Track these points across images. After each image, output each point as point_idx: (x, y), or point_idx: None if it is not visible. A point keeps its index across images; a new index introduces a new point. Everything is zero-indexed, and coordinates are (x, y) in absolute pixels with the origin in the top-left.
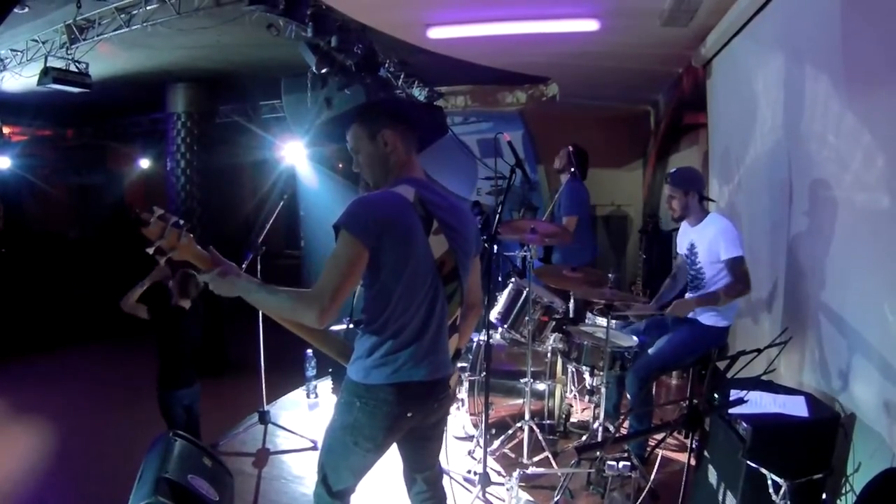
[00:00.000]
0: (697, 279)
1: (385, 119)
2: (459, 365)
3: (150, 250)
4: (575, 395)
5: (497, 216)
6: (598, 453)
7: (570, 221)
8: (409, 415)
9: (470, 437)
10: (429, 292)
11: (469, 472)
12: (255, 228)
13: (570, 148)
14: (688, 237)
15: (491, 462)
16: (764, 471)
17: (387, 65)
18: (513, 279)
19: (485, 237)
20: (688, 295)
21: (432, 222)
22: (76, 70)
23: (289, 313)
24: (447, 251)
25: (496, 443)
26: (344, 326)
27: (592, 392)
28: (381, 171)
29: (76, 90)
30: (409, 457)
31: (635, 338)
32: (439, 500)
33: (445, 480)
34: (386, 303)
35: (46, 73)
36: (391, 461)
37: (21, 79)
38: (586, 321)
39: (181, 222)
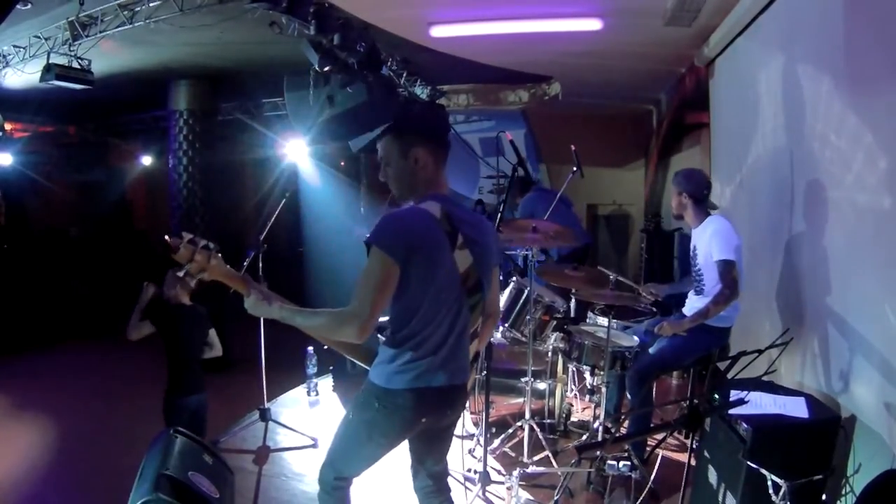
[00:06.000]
0: (697, 281)
1: (419, 137)
2: None
3: (181, 273)
4: (575, 395)
5: (499, 215)
6: (598, 453)
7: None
8: (423, 420)
9: (470, 436)
10: (453, 305)
11: (469, 470)
12: (256, 226)
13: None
14: (693, 239)
15: (491, 461)
16: (764, 471)
17: (389, 63)
18: (514, 278)
19: None
20: (690, 295)
21: (457, 237)
22: (79, 67)
23: (330, 333)
24: (471, 265)
25: (496, 441)
26: None
27: (593, 391)
28: (408, 187)
29: (78, 87)
30: (419, 452)
31: (636, 337)
32: (444, 495)
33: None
34: (412, 315)
35: (49, 69)
36: (394, 460)
37: (23, 75)
38: (587, 320)
39: (210, 245)
